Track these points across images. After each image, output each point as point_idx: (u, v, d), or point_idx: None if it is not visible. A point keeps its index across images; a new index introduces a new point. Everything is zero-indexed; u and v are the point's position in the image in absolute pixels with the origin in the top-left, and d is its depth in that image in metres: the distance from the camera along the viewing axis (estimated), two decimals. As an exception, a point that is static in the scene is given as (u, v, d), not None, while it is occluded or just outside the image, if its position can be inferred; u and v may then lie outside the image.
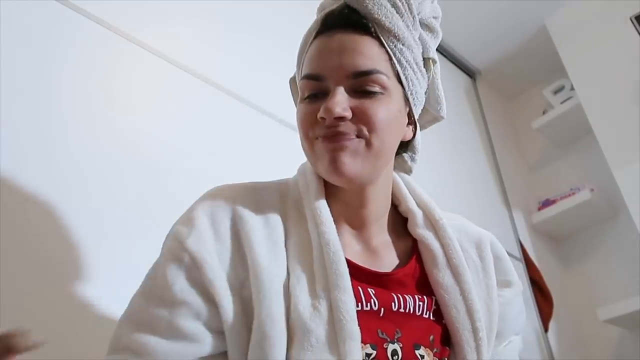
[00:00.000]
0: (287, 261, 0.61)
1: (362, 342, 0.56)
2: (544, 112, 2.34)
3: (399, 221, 0.75)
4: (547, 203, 2.22)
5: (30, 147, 0.85)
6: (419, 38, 0.70)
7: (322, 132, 0.63)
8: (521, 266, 2.00)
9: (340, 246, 0.61)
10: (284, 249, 0.62)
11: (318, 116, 0.62)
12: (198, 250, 0.57)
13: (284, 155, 0.92)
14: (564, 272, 2.23)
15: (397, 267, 0.69)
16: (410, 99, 0.68)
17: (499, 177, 2.23)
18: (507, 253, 2.04)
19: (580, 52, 2.17)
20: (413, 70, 0.67)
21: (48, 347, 0.75)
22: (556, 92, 2.33)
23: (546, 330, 1.90)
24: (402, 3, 0.66)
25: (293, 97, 0.80)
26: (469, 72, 2.51)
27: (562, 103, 2.27)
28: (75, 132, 0.93)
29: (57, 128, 0.90)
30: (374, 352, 0.59)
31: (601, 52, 2.09)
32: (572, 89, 2.20)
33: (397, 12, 0.66)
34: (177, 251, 0.58)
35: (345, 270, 0.59)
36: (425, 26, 0.72)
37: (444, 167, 1.93)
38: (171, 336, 0.55)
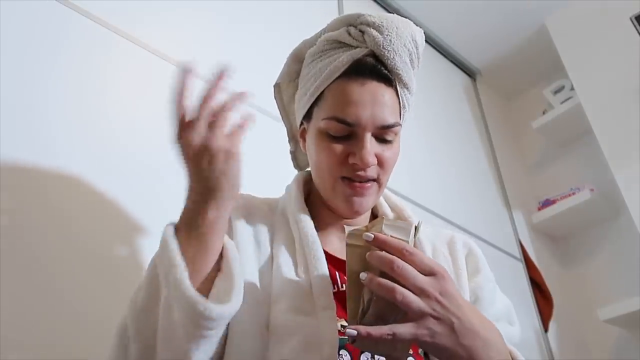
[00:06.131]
0: (272, 253, 0.73)
1: (337, 315, 0.65)
2: (544, 112, 2.34)
3: None
4: (547, 203, 2.22)
5: (31, 146, 0.85)
6: None
7: (349, 174, 0.73)
8: (521, 266, 2.00)
9: (318, 237, 0.73)
10: (268, 246, 0.74)
11: (350, 161, 0.72)
12: None
13: (282, 154, 0.92)
14: (564, 272, 2.23)
15: None
16: (400, 132, 0.79)
17: (499, 177, 2.23)
18: (507, 253, 2.05)
19: (580, 52, 2.16)
20: (408, 109, 0.79)
21: (46, 347, 0.75)
22: (556, 92, 2.32)
23: (546, 330, 1.90)
24: (415, 58, 0.77)
25: (277, 101, 0.88)
26: (469, 72, 2.51)
27: (562, 103, 2.27)
28: (75, 132, 0.93)
29: (56, 128, 0.90)
30: None
31: (601, 52, 2.09)
32: (572, 89, 2.20)
33: (411, 67, 0.76)
34: None
35: (321, 255, 0.70)
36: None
37: (444, 167, 1.93)
38: None
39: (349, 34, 0.74)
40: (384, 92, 0.72)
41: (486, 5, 2.20)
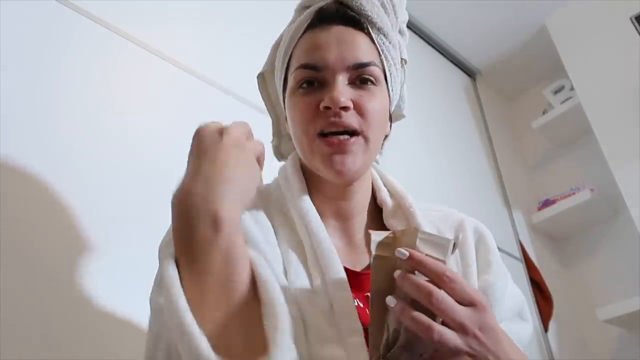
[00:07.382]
0: (282, 258, 0.63)
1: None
2: (544, 112, 2.34)
3: (377, 212, 0.76)
4: (547, 203, 2.22)
5: (30, 147, 0.85)
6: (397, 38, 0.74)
7: (325, 126, 0.63)
8: (521, 266, 2.00)
9: (333, 245, 0.63)
10: (278, 247, 0.64)
11: (322, 106, 0.63)
12: None
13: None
14: (564, 272, 2.23)
15: (367, 267, 0.69)
16: (390, 94, 0.71)
17: (499, 177, 2.23)
18: (507, 253, 2.04)
19: (580, 52, 2.17)
20: (395, 68, 0.70)
21: (48, 346, 0.75)
22: (556, 92, 2.32)
23: (546, 330, 1.90)
24: (388, 4, 0.70)
25: (261, 93, 0.82)
26: (469, 72, 2.51)
27: (562, 103, 2.27)
28: (75, 132, 0.93)
29: (56, 128, 0.90)
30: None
31: (601, 52, 2.09)
32: (572, 89, 2.20)
33: (385, 12, 0.69)
34: None
35: (340, 268, 0.61)
36: (400, 29, 0.75)
37: (444, 167, 1.93)
38: None
39: None
40: (353, 35, 0.66)
41: (486, 5, 2.20)
